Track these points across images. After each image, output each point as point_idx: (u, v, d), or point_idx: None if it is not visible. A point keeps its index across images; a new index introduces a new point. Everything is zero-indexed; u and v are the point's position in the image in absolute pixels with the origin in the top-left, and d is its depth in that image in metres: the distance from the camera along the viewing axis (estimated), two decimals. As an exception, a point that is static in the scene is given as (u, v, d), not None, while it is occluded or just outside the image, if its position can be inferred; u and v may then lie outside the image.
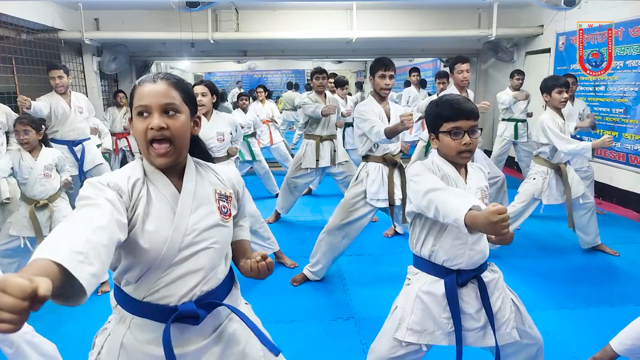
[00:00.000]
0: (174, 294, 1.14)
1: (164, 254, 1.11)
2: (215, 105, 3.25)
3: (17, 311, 0.67)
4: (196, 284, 1.16)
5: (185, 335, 1.17)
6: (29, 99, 3.79)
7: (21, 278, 0.67)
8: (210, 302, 1.18)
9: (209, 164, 1.30)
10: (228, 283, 1.27)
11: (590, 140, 3.35)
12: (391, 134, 2.75)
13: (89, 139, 4.36)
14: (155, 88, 1.15)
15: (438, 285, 1.58)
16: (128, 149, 6.34)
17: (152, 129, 1.12)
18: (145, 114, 1.14)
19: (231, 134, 3.29)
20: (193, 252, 1.15)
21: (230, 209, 1.25)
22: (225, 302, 1.23)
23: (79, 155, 4.18)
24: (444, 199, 1.38)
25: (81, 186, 1.09)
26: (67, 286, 0.83)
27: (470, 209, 1.29)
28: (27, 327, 1.92)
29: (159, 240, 1.11)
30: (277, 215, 4.69)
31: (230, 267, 1.30)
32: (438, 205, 1.39)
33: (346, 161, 4.39)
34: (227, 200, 1.24)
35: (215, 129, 3.16)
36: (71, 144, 4.14)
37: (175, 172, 1.20)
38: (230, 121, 3.32)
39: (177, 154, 1.16)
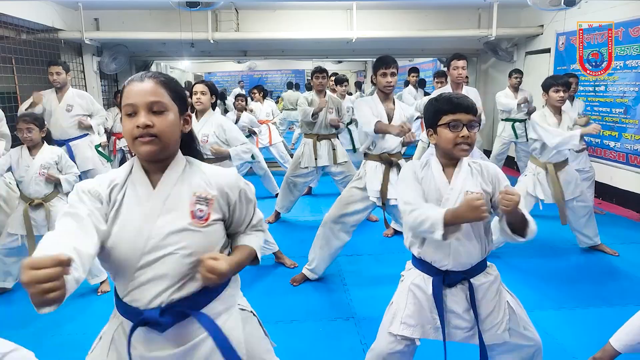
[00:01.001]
0: (141, 298, 1.13)
1: (126, 258, 1.11)
2: (213, 106, 3.25)
3: (55, 277, 0.80)
4: (162, 291, 1.12)
5: (155, 339, 1.15)
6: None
7: (38, 255, 0.81)
8: (180, 310, 1.14)
9: (202, 164, 1.26)
10: (213, 290, 1.20)
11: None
12: (380, 130, 2.82)
13: (80, 137, 4.18)
14: (142, 87, 1.14)
15: (428, 282, 1.62)
16: (127, 149, 6.35)
17: (138, 127, 1.11)
18: (132, 113, 1.13)
19: (217, 135, 3.15)
20: (157, 257, 1.12)
21: (209, 213, 1.17)
22: (209, 308, 1.18)
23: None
24: (415, 216, 1.49)
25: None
26: None
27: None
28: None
29: (122, 243, 1.11)
30: (277, 215, 4.69)
31: None
32: (411, 220, 1.51)
33: (345, 161, 4.39)
34: (206, 203, 1.17)
35: (202, 130, 3.10)
36: (53, 143, 4.02)
37: (164, 170, 1.18)
38: (218, 123, 3.20)
39: (163, 147, 1.14)
